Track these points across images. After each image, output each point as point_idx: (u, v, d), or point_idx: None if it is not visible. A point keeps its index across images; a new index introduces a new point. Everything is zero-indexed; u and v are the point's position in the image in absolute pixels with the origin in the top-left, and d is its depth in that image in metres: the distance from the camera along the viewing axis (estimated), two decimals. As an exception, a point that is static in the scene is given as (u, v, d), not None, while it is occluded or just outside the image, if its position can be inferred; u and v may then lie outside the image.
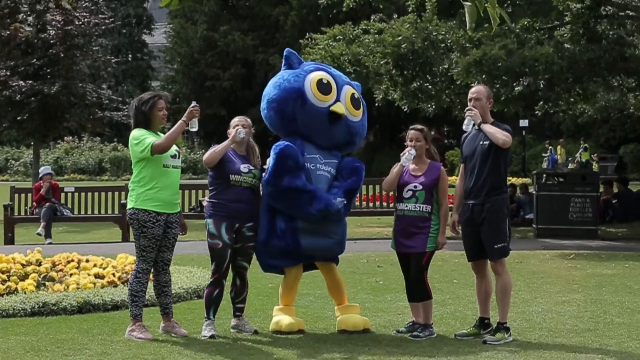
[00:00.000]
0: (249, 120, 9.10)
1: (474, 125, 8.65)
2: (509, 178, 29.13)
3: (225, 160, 8.81)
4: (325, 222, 8.85)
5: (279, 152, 8.79)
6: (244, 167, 8.83)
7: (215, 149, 8.80)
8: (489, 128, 8.57)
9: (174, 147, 8.75)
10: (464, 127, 8.75)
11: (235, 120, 9.05)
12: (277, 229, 8.92)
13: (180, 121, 8.61)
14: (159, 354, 7.97)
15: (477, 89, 8.87)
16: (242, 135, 8.85)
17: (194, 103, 8.66)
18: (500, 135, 8.49)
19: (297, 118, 9.02)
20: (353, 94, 9.26)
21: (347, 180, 9.00)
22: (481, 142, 8.60)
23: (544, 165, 41.58)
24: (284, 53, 9.49)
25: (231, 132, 8.88)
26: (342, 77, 9.41)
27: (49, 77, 27.76)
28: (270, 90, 9.18)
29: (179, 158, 8.82)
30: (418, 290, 8.91)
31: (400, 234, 8.80)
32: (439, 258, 14.58)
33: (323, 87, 9.05)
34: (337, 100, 9.07)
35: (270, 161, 8.88)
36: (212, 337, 8.63)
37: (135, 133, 8.67)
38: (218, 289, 8.84)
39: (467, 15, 5.26)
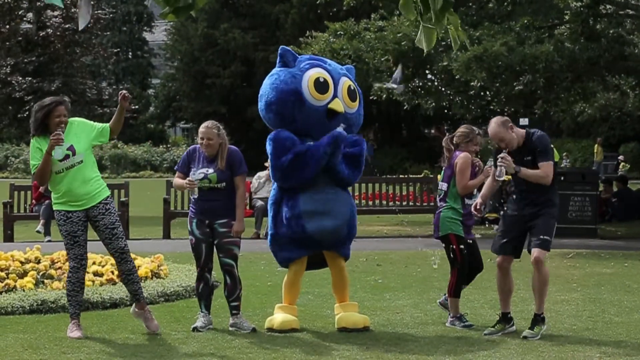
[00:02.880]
0: (217, 128, 9.02)
1: (506, 174, 8.65)
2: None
3: (190, 164, 9.07)
4: (328, 202, 8.92)
5: (275, 137, 9.02)
6: (198, 174, 8.96)
7: (176, 183, 9.23)
8: (526, 172, 8.58)
9: (63, 150, 8.61)
10: (496, 177, 8.68)
11: (202, 131, 9.04)
12: (282, 219, 9.04)
13: (45, 154, 8.56)
14: (156, 353, 7.98)
15: (493, 131, 8.66)
16: (195, 196, 8.99)
17: (57, 132, 8.55)
18: (540, 178, 8.55)
19: (296, 119, 9.05)
20: (349, 86, 9.23)
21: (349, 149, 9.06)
22: (525, 159, 8.63)
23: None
24: (279, 51, 9.42)
25: (189, 179, 8.96)
26: (337, 70, 9.36)
27: (48, 74, 27.77)
28: (267, 91, 9.17)
29: (74, 155, 8.69)
30: (476, 275, 9.54)
31: (469, 225, 9.32)
32: (438, 257, 14.59)
33: (320, 87, 9.04)
34: (335, 96, 9.07)
35: (269, 150, 9.05)
36: (194, 329, 8.82)
37: (31, 147, 8.73)
38: (202, 283, 9.05)
39: (424, 37, 5.16)
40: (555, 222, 8.75)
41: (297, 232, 8.95)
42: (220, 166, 8.92)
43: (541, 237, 8.62)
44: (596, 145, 42.68)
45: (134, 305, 8.98)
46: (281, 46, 9.61)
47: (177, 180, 9.20)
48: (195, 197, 8.97)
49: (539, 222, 8.66)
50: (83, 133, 8.80)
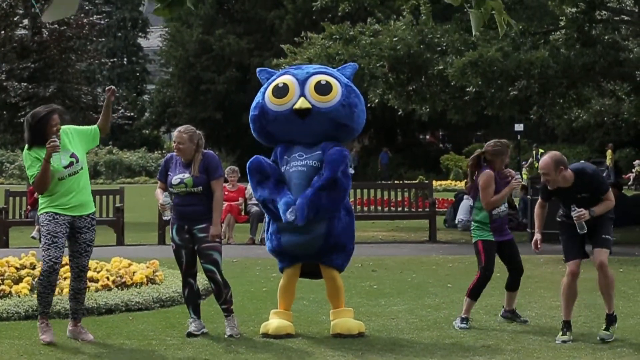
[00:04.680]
0: (189, 133, 9.04)
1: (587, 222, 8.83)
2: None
3: (167, 172, 9.11)
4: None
5: (248, 169, 9.13)
6: (175, 179, 8.98)
7: (156, 196, 9.16)
8: (599, 210, 8.86)
9: (66, 157, 8.67)
10: (579, 231, 8.88)
11: (175, 134, 9.11)
12: (269, 233, 9.24)
13: (43, 162, 8.55)
14: (152, 358, 7.99)
15: (543, 164, 8.81)
16: (167, 218, 9.07)
17: (52, 139, 8.53)
18: (608, 207, 9.00)
19: (267, 129, 9.23)
20: (319, 81, 9.21)
21: (321, 179, 8.95)
22: (579, 196, 8.83)
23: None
24: (257, 73, 9.75)
25: (161, 202, 9.01)
26: (307, 71, 9.39)
27: (44, 79, 27.73)
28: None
29: (77, 162, 8.77)
30: (519, 279, 9.91)
31: (496, 229, 9.55)
32: (433, 262, 14.62)
33: (278, 91, 9.18)
34: (301, 96, 9.13)
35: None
36: (188, 334, 8.86)
37: (27, 157, 8.71)
38: (187, 288, 9.12)
39: (472, 21, 5.28)
40: (612, 221, 9.17)
41: (276, 245, 9.15)
42: (193, 172, 8.94)
43: (602, 236, 8.96)
44: (609, 151, 42.87)
45: (69, 324, 8.90)
46: (258, 68, 9.94)
47: (158, 193, 9.19)
48: (167, 218, 9.03)
49: (598, 223, 8.91)
50: (79, 140, 8.87)
